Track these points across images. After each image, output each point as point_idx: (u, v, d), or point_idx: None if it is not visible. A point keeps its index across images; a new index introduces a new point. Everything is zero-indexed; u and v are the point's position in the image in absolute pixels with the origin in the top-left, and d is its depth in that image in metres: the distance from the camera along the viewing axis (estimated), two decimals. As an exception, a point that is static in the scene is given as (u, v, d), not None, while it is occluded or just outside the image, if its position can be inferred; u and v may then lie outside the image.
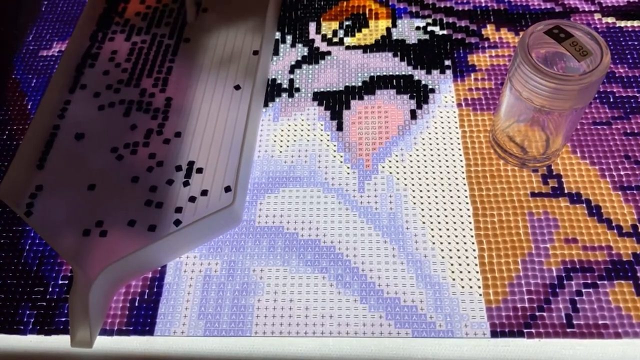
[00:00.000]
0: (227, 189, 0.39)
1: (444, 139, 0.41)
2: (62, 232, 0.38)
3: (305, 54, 0.47)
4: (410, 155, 0.41)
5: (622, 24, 0.47)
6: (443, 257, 0.36)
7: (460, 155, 0.40)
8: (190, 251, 0.38)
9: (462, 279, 0.35)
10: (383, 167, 0.40)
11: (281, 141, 0.42)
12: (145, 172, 0.41)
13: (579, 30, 0.33)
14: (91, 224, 0.38)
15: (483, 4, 0.49)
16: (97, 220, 0.39)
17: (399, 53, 0.46)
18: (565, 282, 0.35)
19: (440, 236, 0.37)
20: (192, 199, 0.39)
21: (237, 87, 0.45)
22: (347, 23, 0.49)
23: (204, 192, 0.39)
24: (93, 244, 0.37)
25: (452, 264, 0.36)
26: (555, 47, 0.33)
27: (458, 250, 0.36)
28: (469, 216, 0.38)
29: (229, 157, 0.41)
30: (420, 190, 0.39)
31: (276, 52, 0.48)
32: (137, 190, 0.40)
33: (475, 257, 0.36)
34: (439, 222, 0.38)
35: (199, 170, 0.40)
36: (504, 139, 0.39)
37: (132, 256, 0.35)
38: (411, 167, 0.40)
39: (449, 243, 0.37)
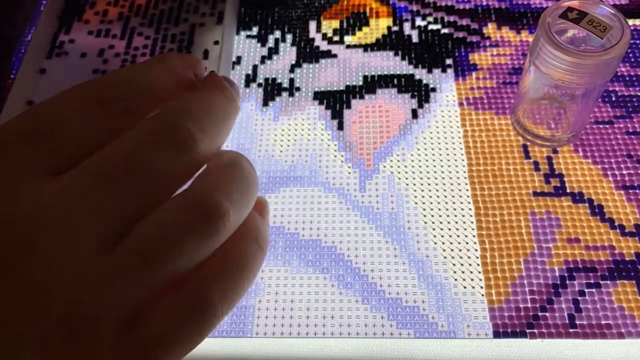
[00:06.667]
0: None
1: (445, 138, 0.41)
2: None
3: (306, 52, 0.47)
4: (412, 155, 0.41)
5: (624, 22, 0.47)
6: (445, 257, 0.36)
7: (462, 154, 0.40)
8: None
9: (464, 279, 0.35)
10: (384, 166, 0.40)
11: (281, 141, 0.42)
12: None
13: (593, 6, 0.33)
14: None
15: (484, 3, 0.49)
16: None
17: (399, 52, 0.46)
18: (567, 282, 0.35)
19: (442, 236, 0.37)
20: None
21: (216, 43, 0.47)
22: (347, 22, 0.49)
23: None
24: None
25: (454, 264, 0.36)
26: (574, 29, 0.33)
27: (460, 250, 0.36)
28: (471, 216, 0.37)
29: None
30: (422, 190, 0.39)
31: (276, 51, 0.47)
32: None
33: (477, 257, 0.36)
34: (441, 222, 0.37)
35: None
36: (527, 121, 0.39)
37: None
38: (412, 166, 0.40)
39: (451, 243, 0.37)
